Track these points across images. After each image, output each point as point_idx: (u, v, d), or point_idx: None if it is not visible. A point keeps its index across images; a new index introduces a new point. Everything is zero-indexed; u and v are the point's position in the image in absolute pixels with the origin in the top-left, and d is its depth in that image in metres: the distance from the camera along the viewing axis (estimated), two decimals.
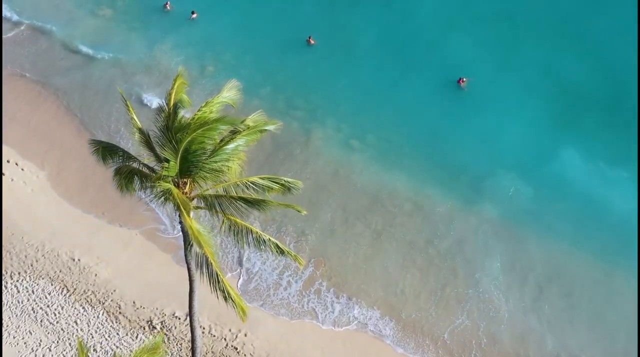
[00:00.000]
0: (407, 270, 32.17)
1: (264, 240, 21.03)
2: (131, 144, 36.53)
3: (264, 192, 21.35)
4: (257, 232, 21.05)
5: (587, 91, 39.44)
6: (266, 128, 21.37)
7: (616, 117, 38.21)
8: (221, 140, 20.55)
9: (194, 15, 45.63)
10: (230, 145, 20.51)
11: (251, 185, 21.22)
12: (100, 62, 43.33)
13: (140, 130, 21.40)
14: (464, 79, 39.88)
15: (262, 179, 21.45)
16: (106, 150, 21.95)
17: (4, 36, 44.63)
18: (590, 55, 41.34)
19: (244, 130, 20.85)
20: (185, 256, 22.38)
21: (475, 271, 32.02)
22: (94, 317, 29.67)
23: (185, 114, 21.07)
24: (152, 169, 21.01)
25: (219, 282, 20.45)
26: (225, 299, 20.53)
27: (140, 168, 21.07)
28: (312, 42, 43.12)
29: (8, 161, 36.13)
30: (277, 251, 21.26)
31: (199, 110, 20.89)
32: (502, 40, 42.74)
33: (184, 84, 21.51)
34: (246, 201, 20.79)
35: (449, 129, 38.18)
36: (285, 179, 21.72)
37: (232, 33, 44.63)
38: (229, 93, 21.83)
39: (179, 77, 21.48)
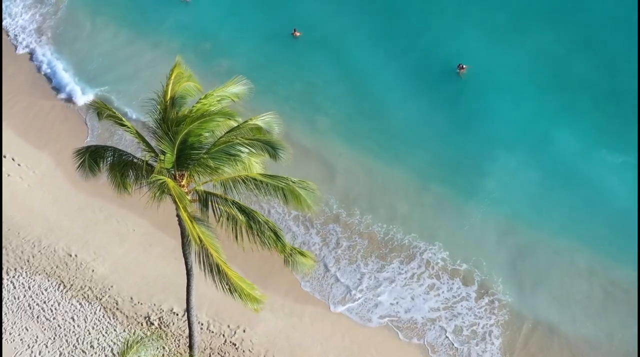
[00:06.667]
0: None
1: (263, 238, 19.77)
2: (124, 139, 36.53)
3: (268, 192, 19.89)
4: (256, 229, 19.96)
5: (588, 78, 39.08)
6: (274, 148, 19.36)
7: (617, 102, 37.90)
8: (220, 138, 19.75)
9: None
10: (230, 150, 19.33)
11: (252, 182, 20.05)
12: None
13: (137, 133, 20.81)
14: (464, 66, 39.22)
15: (264, 177, 20.13)
16: (93, 157, 20.92)
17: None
18: (590, 41, 41.02)
19: (246, 137, 19.46)
20: (183, 250, 22.02)
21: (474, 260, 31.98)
22: (91, 313, 29.41)
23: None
24: (147, 163, 20.55)
25: (219, 272, 19.43)
26: (231, 291, 19.49)
27: (135, 161, 20.64)
28: (297, 34, 42.24)
29: (5, 156, 35.91)
30: (279, 247, 20.01)
31: (198, 102, 20.27)
32: (500, 27, 42.29)
33: (182, 74, 20.72)
34: (240, 208, 19.91)
35: (447, 116, 37.85)
36: (293, 178, 19.92)
37: (224, 17, 44.42)
38: (234, 89, 21.02)
39: (176, 66, 20.77)
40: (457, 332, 29.61)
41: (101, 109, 21.24)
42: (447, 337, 29.48)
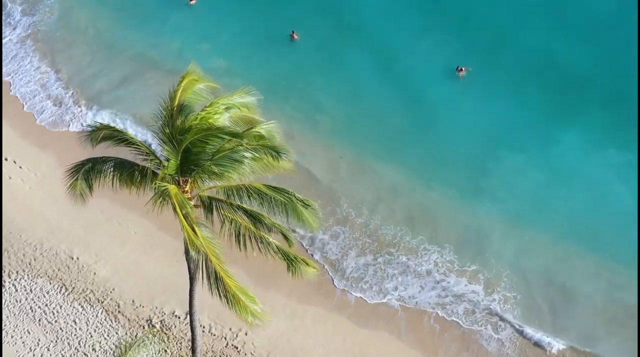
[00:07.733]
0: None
1: (268, 243, 19.75)
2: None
3: (271, 205, 19.61)
4: (260, 235, 19.85)
5: (590, 77, 39.12)
6: (278, 153, 18.98)
7: (617, 101, 37.94)
8: (224, 144, 19.39)
9: (193, 1, 44.82)
10: (234, 155, 19.10)
11: (255, 192, 19.76)
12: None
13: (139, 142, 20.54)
14: (463, 69, 39.03)
15: (268, 188, 19.82)
16: (86, 176, 20.38)
17: None
18: (592, 41, 41.03)
19: (250, 143, 19.11)
20: (186, 254, 21.95)
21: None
22: (93, 316, 29.43)
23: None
24: (151, 170, 20.42)
25: (217, 279, 19.12)
26: (230, 302, 19.05)
27: (139, 166, 20.54)
28: (296, 37, 41.92)
29: (6, 159, 35.88)
30: (284, 257, 19.84)
31: (202, 110, 20.01)
32: (500, 28, 42.29)
33: (195, 82, 20.36)
34: (245, 211, 19.73)
35: (449, 118, 37.81)
36: (297, 194, 19.71)
37: (230, 21, 44.08)
38: (242, 99, 20.69)
39: (188, 74, 20.40)
40: (467, 314, 30.13)
41: (96, 133, 20.48)
42: (456, 320, 29.97)
